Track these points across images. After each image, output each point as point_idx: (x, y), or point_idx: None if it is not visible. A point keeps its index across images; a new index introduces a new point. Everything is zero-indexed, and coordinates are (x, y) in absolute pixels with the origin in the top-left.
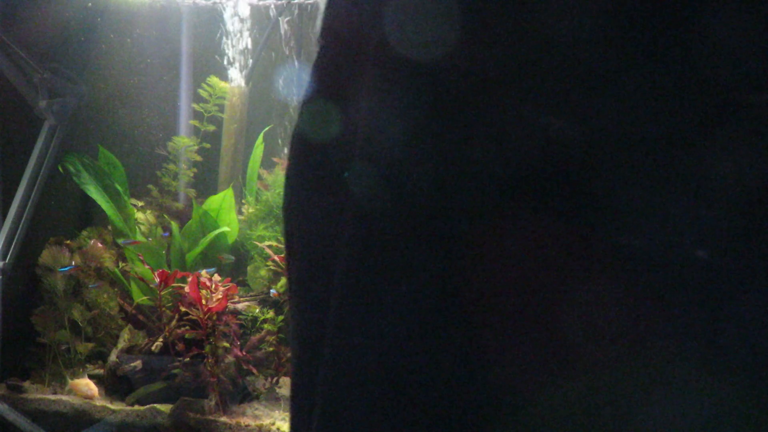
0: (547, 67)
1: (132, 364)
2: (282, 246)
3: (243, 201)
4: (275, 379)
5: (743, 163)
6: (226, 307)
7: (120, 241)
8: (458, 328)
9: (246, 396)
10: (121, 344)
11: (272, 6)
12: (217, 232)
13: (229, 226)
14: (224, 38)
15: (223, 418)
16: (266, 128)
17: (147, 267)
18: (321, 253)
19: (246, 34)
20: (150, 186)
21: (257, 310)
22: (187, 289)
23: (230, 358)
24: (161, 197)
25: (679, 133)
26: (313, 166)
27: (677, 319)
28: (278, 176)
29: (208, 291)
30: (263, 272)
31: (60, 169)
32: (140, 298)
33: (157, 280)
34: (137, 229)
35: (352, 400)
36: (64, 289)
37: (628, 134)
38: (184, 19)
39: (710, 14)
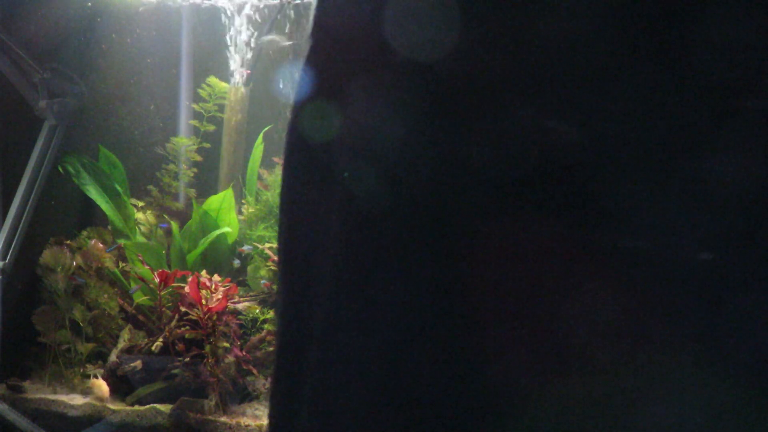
0: (547, 68)
1: (132, 364)
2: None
3: (243, 201)
4: None
5: (742, 165)
6: (226, 307)
7: (122, 241)
8: (454, 328)
9: (246, 396)
10: (121, 344)
11: (272, 6)
12: (217, 232)
13: (229, 226)
14: (225, 38)
15: (223, 418)
16: (266, 128)
17: (147, 267)
18: (311, 250)
19: (246, 33)
20: (150, 186)
21: (257, 310)
22: (187, 289)
23: (230, 358)
24: (161, 197)
25: (679, 135)
26: (306, 164)
27: (677, 320)
28: (278, 176)
29: (208, 291)
30: (263, 272)
31: (60, 169)
32: (140, 298)
33: (157, 280)
34: (137, 230)
35: (344, 399)
36: (65, 289)
37: (629, 136)
38: (184, 19)
39: (711, 17)
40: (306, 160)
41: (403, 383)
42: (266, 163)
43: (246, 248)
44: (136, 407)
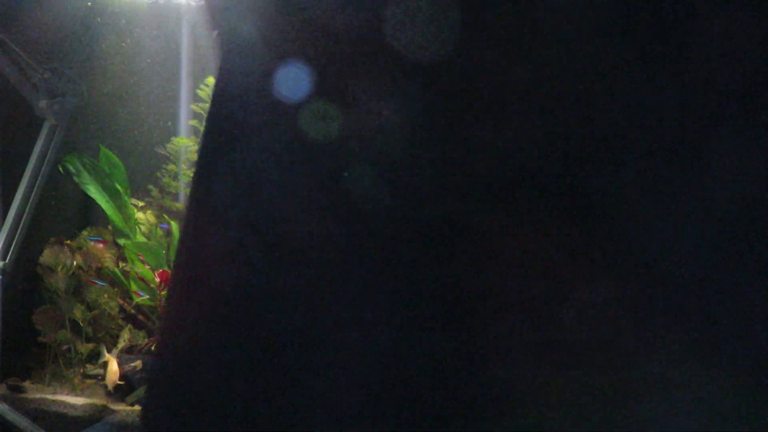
0: (548, 68)
1: (132, 364)
2: None
3: None
4: None
5: (742, 165)
6: None
7: (122, 240)
8: (456, 327)
9: None
10: (121, 344)
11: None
12: None
13: None
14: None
15: None
16: None
17: (147, 267)
18: (300, 249)
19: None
20: (150, 186)
21: None
22: None
23: None
24: (161, 197)
25: (680, 135)
26: (304, 164)
27: (677, 319)
28: None
29: None
30: None
31: (60, 169)
32: (140, 298)
33: (158, 280)
34: (137, 229)
35: (345, 401)
36: (65, 289)
37: (629, 136)
38: (184, 19)
39: (711, 18)
40: (306, 161)
41: (406, 384)
42: None
43: None
44: (136, 407)
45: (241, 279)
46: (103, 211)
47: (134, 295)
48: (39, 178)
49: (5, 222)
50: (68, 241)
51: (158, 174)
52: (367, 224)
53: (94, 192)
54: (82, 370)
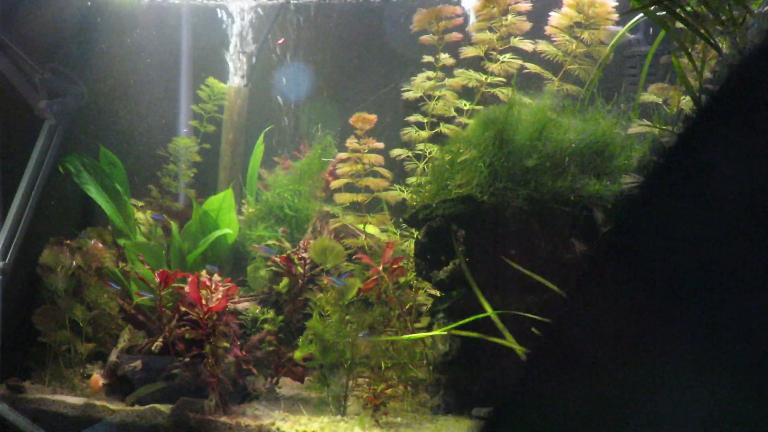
0: None
1: (132, 364)
2: (281, 245)
3: (243, 201)
4: (275, 379)
5: None
6: (226, 307)
7: (122, 241)
8: None
9: (246, 396)
10: (121, 344)
11: (271, 6)
12: (217, 233)
13: (229, 226)
14: (225, 38)
15: (223, 418)
16: (266, 128)
17: (147, 267)
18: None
19: (245, 34)
20: (150, 186)
21: (257, 310)
22: (187, 289)
23: (230, 358)
24: (161, 197)
25: None
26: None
27: None
28: (278, 176)
29: (208, 291)
30: (263, 272)
31: (60, 169)
32: (140, 298)
33: (158, 280)
34: (137, 230)
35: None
36: (65, 289)
37: None
38: (184, 19)
39: None
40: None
41: None
42: (266, 163)
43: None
44: (136, 407)
45: None
46: (103, 211)
47: (134, 295)
48: (39, 177)
49: (5, 222)
50: (68, 241)
51: (158, 174)
52: None
53: (94, 192)
54: (82, 370)
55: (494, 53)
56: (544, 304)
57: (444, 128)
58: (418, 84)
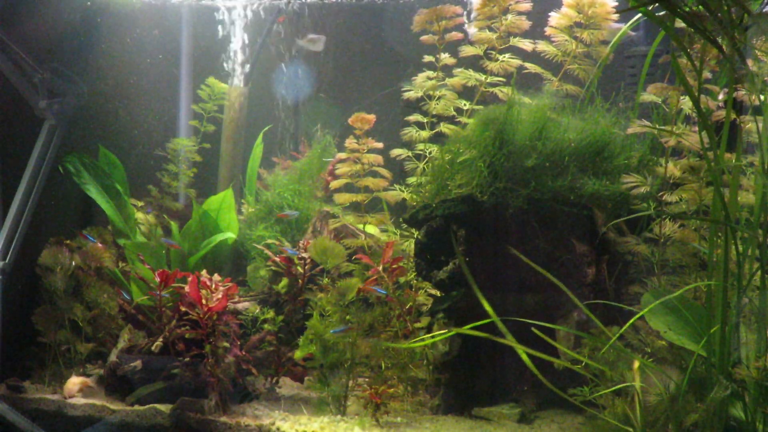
0: None
1: (132, 364)
2: (281, 246)
3: (243, 201)
4: (275, 379)
5: None
6: (226, 306)
7: (122, 241)
8: None
9: (246, 396)
10: (121, 344)
11: (270, 6)
12: (219, 237)
13: (229, 226)
14: (224, 38)
15: (223, 418)
16: (266, 128)
17: (147, 267)
18: None
19: (245, 34)
20: (150, 186)
21: (257, 310)
22: (187, 288)
23: (230, 358)
24: (161, 197)
25: None
26: None
27: None
28: (278, 176)
29: (208, 291)
30: (263, 272)
31: (60, 169)
32: (140, 298)
33: (158, 280)
34: (137, 230)
35: None
36: (65, 289)
37: None
38: (184, 19)
39: None
40: None
41: None
42: (266, 163)
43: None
44: (136, 407)
45: None
46: (103, 211)
47: (134, 295)
48: (39, 177)
49: (5, 222)
50: (68, 241)
51: (158, 174)
52: None
53: (93, 191)
54: (82, 370)
55: (494, 53)
56: (544, 303)
57: (444, 128)
58: (419, 84)
